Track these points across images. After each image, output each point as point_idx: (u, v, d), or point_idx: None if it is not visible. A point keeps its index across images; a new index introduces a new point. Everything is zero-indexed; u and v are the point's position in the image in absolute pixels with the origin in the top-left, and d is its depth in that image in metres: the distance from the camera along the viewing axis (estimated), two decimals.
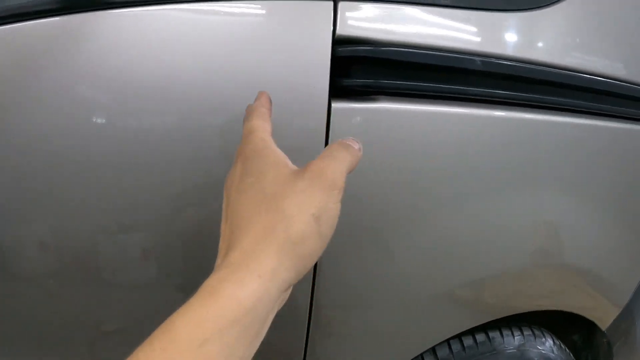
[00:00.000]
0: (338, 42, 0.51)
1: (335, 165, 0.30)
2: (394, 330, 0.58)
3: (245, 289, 0.24)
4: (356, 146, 0.34)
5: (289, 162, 0.32)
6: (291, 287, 0.30)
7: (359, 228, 0.53)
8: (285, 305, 0.32)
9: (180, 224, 0.54)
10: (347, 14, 0.51)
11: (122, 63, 0.47)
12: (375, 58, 0.51)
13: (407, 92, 0.52)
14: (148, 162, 0.50)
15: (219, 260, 0.28)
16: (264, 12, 0.51)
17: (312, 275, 0.52)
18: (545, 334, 0.69)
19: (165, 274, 0.57)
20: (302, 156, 0.49)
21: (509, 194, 0.58)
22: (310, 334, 0.54)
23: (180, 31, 0.50)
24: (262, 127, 0.35)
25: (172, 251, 0.55)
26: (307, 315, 0.53)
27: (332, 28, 0.51)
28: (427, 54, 0.52)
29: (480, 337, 0.64)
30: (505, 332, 0.65)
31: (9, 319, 0.59)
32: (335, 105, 0.50)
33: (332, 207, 0.29)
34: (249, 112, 0.38)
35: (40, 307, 0.58)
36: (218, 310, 0.23)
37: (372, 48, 0.51)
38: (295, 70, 0.50)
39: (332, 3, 0.51)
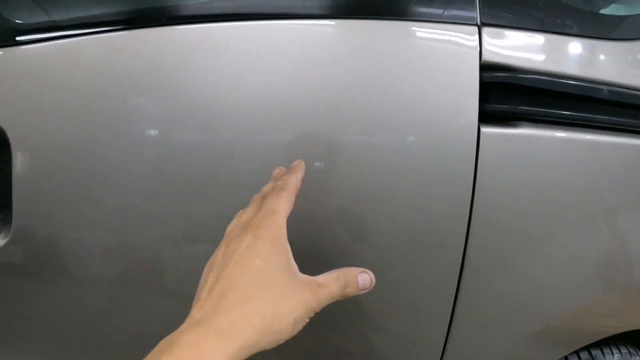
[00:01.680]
0: (484, 67, 0.52)
1: (324, 291, 0.36)
2: (515, 347, 0.59)
3: (225, 355, 0.29)
4: (362, 285, 0.40)
5: (294, 264, 0.36)
6: None
7: (497, 248, 0.54)
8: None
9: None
10: (491, 40, 0.52)
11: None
12: (519, 85, 0.52)
13: (547, 118, 0.54)
14: (222, 176, 0.51)
15: (197, 306, 0.33)
16: (411, 33, 0.52)
17: (455, 290, 0.53)
18: (638, 352, 0.72)
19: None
20: (450, 179, 0.51)
21: (632, 215, 0.59)
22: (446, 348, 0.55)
23: (329, 45, 0.51)
24: (285, 212, 0.38)
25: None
26: (447, 327, 0.54)
27: (478, 54, 0.52)
28: (567, 83, 0.54)
29: (584, 355, 0.66)
30: (606, 350, 0.67)
31: (62, 324, 0.59)
32: (485, 130, 0.51)
33: (305, 319, 0.35)
34: (280, 186, 0.40)
35: (106, 314, 0.59)
36: None
37: (518, 75, 0.52)
38: (445, 93, 0.51)
39: (476, 28, 0.52)
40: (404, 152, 0.50)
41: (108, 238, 0.55)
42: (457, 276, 0.53)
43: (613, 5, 0.67)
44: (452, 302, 0.53)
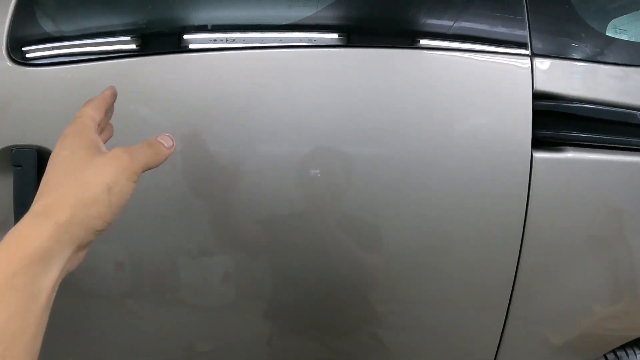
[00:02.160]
0: (536, 96, 0.55)
1: (134, 153, 0.36)
2: (557, 345, 0.64)
3: (44, 232, 0.31)
4: (166, 144, 0.40)
5: (102, 146, 0.37)
6: (85, 250, 0.35)
7: (545, 265, 0.58)
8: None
9: (261, 250, 0.58)
10: (542, 69, 0.56)
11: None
12: (566, 113, 0.56)
13: (591, 143, 0.57)
14: (237, 188, 0.55)
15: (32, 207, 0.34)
16: (464, 61, 0.55)
17: (507, 305, 0.57)
18: None
19: (246, 296, 0.61)
20: (505, 202, 0.54)
21: None
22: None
23: (373, 73, 0.54)
24: (89, 114, 0.39)
25: (252, 274, 0.59)
26: (502, 327, 0.59)
27: (530, 83, 0.55)
28: (609, 110, 0.57)
29: (611, 356, 0.71)
30: (629, 351, 0.73)
31: (80, 335, 0.62)
32: (537, 155, 0.54)
33: (124, 184, 0.35)
34: (87, 101, 0.41)
35: (118, 325, 0.62)
36: (23, 249, 0.30)
37: (570, 105, 0.55)
38: (499, 121, 0.54)
39: (529, 59, 0.56)
40: (463, 176, 0.54)
41: (127, 251, 0.58)
42: (511, 289, 0.57)
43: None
44: (505, 316, 0.57)
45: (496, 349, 0.60)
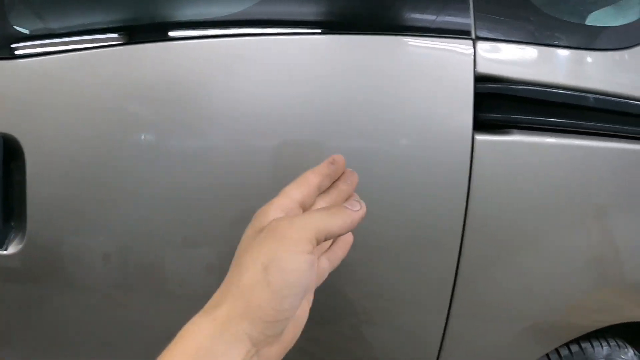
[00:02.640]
0: (478, 79, 0.55)
1: (298, 222, 0.30)
2: (508, 343, 0.63)
3: (204, 330, 0.28)
4: (354, 208, 0.33)
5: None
6: (277, 346, 0.30)
7: (491, 249, 0.57)
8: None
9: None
10: (485, 53, 0.56)
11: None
12: (511, 95, 0.56)
13: (536, 126, 0.57)
14: (218, 180, 0.55)
15: None
16: (406, 46, 0.56)
17: (451, 289, 0.57)
18: (627, 346, 0.75)
19: None
20: (446, 184, 0.54)
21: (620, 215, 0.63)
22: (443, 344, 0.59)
23: (337, 59, 0.55)
24: (287, 193, 0.35)
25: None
26: (444, 323, 0.58)
27: (472, 66, 0.55)
28: (554, 92, 0.57)
29: (574, 347, 0.70)
30: (595, 343, 0.71)
31: (72, 327, 0.63)
32: (478, 137, 0.54)
33: (283, 258, 0.29)
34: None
35: (104, 315, 0.62)
36: (183, 348, 0.28)
37: (510, 86, 0.55)
38: (441, 103, 0.54)
39: (471, 42, 0.56)
40: (402, 159, 0.54)
41: (115, 244, 0.59)
42: (453, 276, 0.56)
43: (599, 16, 0.70)
44: (449, 300, 0.57)
45: (439, 347, 0.59)
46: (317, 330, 0.63)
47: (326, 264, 0.37)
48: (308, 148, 0.55)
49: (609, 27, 0.66)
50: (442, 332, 0.59)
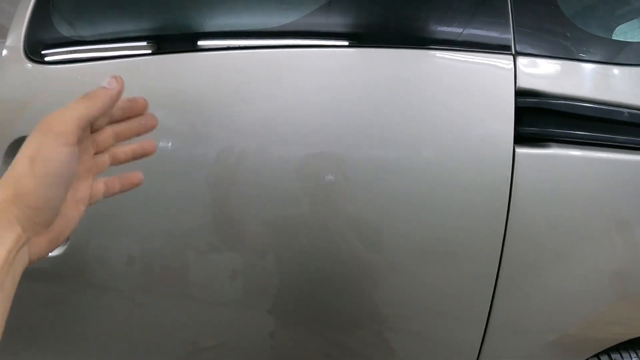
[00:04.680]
0: (518, 93, 0.56)
1: (61, 113, 0.32)
2: (539, 355, 0.64)
3: None
4: (109, 85, 0.34)
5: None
6: (47, 236, 0.33)
7: (528, 261, 0.58)
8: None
9: (269, 248, 0.60)
10: (524, 68, 0.57)
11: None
12: (550, 109, 0.57)
13: (575, 139, 0.58)
14: (246, 189, 0.56)
15: None
16: (449, 61, 0.57)
17: (490, 301, 0.58)
18: None
19: (253, 293, 0.62)
20: (488, 196, 0.55)
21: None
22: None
23: (357, 72, 0.56)
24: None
25: (259, 272, 0.61)
26: (482, 337, 0.59)
27: (513, 80, 0.56)
28: (590, 106, 0.58)
29: (604, 358, 0.70)
30: (624, 354, 0.72)
31: (95, 329, 0.64)
32: (519, 150, 0.55)
33: (47, 149, 0.31)
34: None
35: (128, 318, 0.64)
36: None
37: (549, 101, 0.57)
38: (483, 117, 0.56)
39: (512, 56, 0.57)
40: (446, 172, 0.55)
41: (138, 247, 0.61)
42: (493, 287, 0.57)
43: (624, 27, 0.71)
44: (488, 313, 0.58)
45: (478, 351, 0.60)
46: (337, 335, 0.65)
47: (102, 187, 0.39)
48: (345, 161, 0.56)
49: None
50: (479, 345, 0.60)
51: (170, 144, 0.58)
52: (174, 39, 0.64)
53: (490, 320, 0.58)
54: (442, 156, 0.56)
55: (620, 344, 0.71)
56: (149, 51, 0.63)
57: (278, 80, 0.58)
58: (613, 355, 0.71)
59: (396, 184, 0.56)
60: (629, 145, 0.61)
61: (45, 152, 0.31)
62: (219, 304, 0.63)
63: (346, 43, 0.60)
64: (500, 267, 0.57)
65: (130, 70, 0.60)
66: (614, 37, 0.66)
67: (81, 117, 0.32)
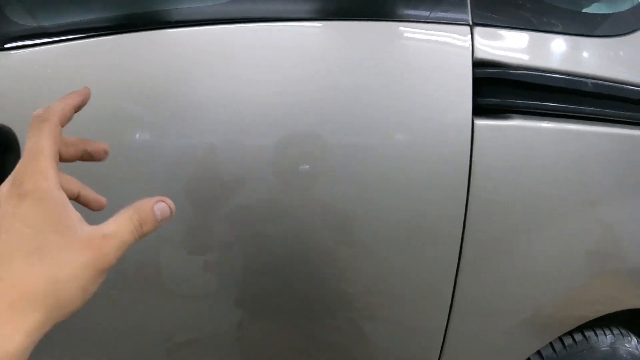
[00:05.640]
0: (476, 64, 0.55)
1: (114, 238, 0.31)
2: (510, 334, 0.62)
3: (13, 345, 0.26)
4: (160, 213, 0.34)
5: (73, 216, 0.30)
6: None
7: (493, 237, 0.57)
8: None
9: (241, 240, 0.57)
10: (483, 38, 0.56)
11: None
12: (510, 80, 0.56)
13: (536, 110, 0.57)
14: (215, 177, 0.54)
15: None
16: (404, 33, 0.56)
17: (453, 281, 0.56)
18: (631, 334, 0.75)
19: (226, 286, 0.60)
20: (447, 171, 0.54)
21: (617, 202, 0.63)
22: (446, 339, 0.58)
23: (324, 46, 0.54)
24: (49, 152, 0.31)
25: (234, 263, 0.58)
26: (447, 317, 0.57)
27: (471, 52, 0.55)
28: (552, 76, 0.57)
29: (578, 336, 0.69)
30: (598, 331, 0.70)
31: (68, 327, 0.61)
32: (478, 122, 0.54)
33: (98, 282, 0.31)
34: (42, 117, 0.32)
35: (103, 314, 0.61)
36: None
37: (508, 71, 0.55)
38: (440, 89, 0.54)
39: (469, 28, 0.56)
40: (402, 147, 0.53)
41: None
42: (456, 267, 0.56)
43: (595, 4, 0.71)
44: (451, 293, 0.56)
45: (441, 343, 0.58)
46: (311, 325, 0.63)
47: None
48: (305, 142, 0.54)
49: (605, 14, 0.66)
50: (444, 327, 0.58)
51: (139, 128, 0.54)
52: (132, 18, 0.61)
53: (454, 303, 0.57)
54: (401, 134, 0.54)
55: (595, 321, 0.70)
56: (97, 32, 0.60)
57: (230, 58, 0.55)
58: (587, 333, 0.70)
59: (357, 168, 0.54)
60: (593, 116, 0.60)
61: (97, 285, 0.31)
62: (193, 298, 0.61)
63: (298, 17, 0.58)
64: (463, 248, 0.55)
65: (87, 50, 0.57)
66: (575, 9, 0.65)
67: (128, 244, 0.32)
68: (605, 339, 0.70)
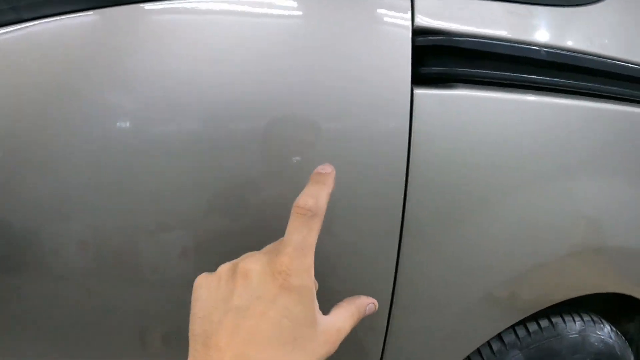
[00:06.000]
0: (416, 32, 0.52)
1: (344, 334, 0.36)
2: (455, 324, 0.59)
3: None
4: (368, 300, 0.42)
5: (317, 314, 0.35)
6: None
7: (436, 210, 0.54)
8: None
9: (217, 224, 0.54)
10: (424, 5, 0.53)
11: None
12: (452, 47, 0.53)
13: (481, 79, 0.54)
14: (187, 164, 0.51)
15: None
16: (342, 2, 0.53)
17: (396, 255, 0.53)
18: (603, 321, 0.71)
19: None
20: (386, 137, 0.51)
21: (570, 178, 0.60)
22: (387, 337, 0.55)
23: (259, 24, 0.52)
24: (314, 247, 0.35)
25: (211, 250, 0.55)
26: (387, 317, 0.55)
27: (410, 19, 0.52)
28: (498, 44, 0.54)
29: (544, 322, 0.65)
30: (567, 318, 0.66)
31: (48, 317, 0.59)
32: (417, 91, 0.51)
33: None
34: (313, 209, 0.34)
35: (80, 304, 0.59)
36: None
37: (449, 38, 0.53)
38: (379, 58, 0.51)
39: None
40: (335, 119, 0.51)
41: (82, 230, 0.56)
42: (397, 241, 0.53)
43: None
44: (394, 268, 0.53)
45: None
46: None
47: None
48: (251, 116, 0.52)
49: None
50: (386, 319, 0.55)
51: (112, 118, 0.52)
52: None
53: (397, 276, 0.53)
54: (335, 106, 0.51)
55: (564, 307, 0.66)
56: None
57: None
58: (554, 319, 0.66)
59: (284, 137, 0.51)
60: (543, 86, 0.57)
61: None
62: (170, 286, 0.58)
63: None
64: (404, 224, 0.52)
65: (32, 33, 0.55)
66: None
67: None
68: (574, 326, 0.66)
